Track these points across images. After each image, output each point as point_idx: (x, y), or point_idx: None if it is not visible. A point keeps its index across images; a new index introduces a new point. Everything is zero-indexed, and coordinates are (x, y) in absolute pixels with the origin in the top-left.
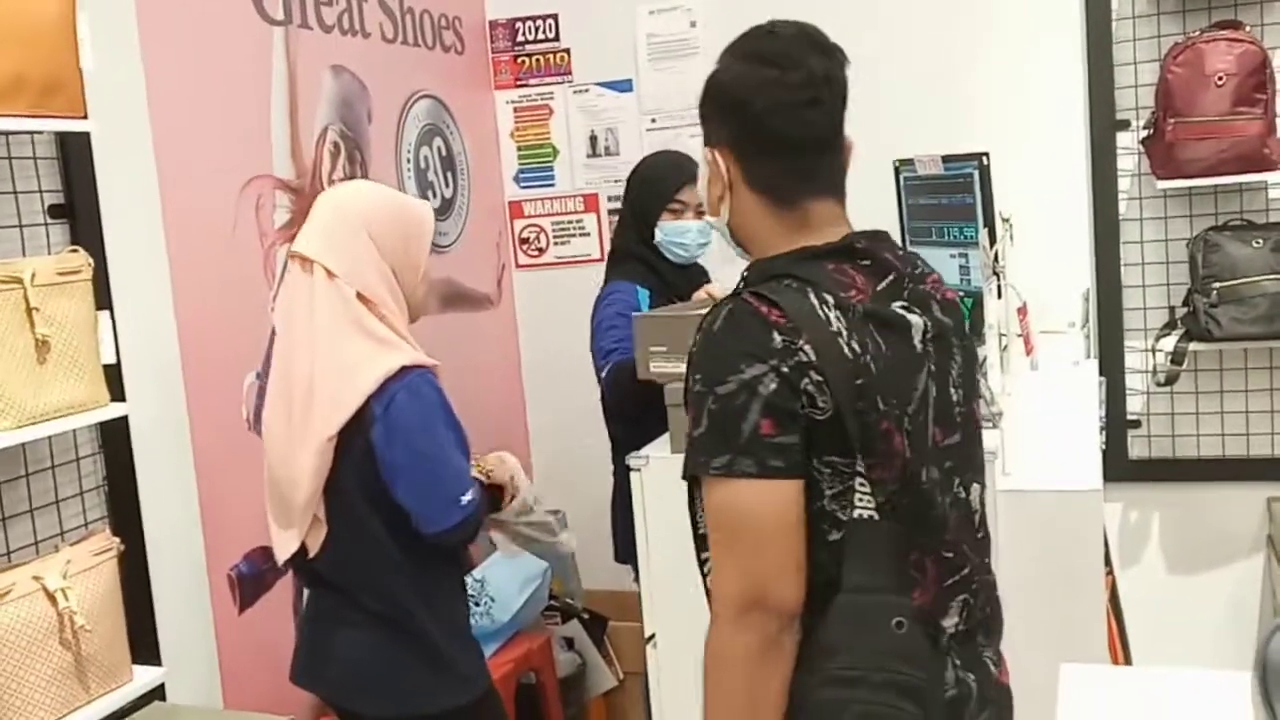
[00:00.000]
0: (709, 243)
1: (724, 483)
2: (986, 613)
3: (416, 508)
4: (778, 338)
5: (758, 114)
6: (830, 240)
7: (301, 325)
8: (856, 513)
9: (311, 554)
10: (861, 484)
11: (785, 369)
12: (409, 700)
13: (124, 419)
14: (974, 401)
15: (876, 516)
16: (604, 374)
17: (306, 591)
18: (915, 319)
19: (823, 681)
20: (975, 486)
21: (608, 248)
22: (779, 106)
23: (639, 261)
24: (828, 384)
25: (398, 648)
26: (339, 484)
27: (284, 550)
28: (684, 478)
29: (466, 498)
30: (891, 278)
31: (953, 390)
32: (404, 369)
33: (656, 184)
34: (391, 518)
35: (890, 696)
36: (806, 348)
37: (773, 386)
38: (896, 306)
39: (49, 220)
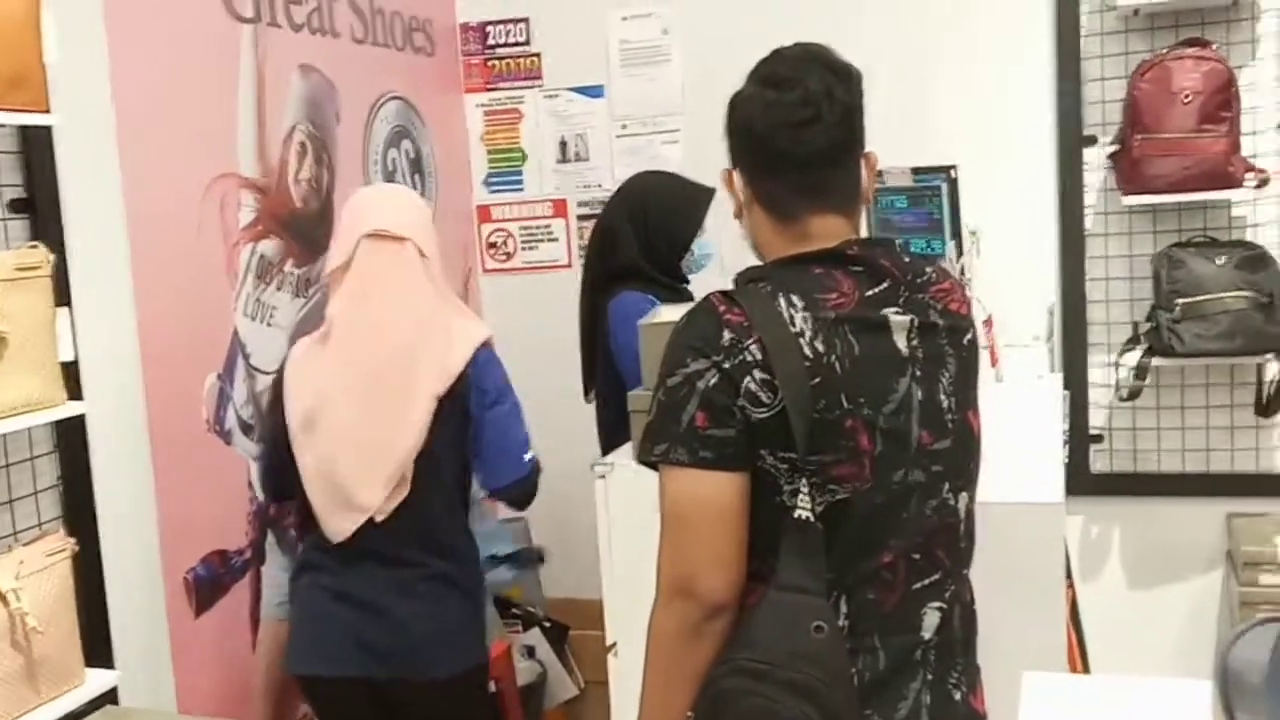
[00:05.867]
0: None
1: (663, 470)
2: (967, 628)
3: (492, 463)
4: (727, 335)
5: (759, 134)
6: (824, 248)
7: (397, 294)
8: (796, 513)
9: (380, 519)
10: (806, 483)
11: (727, 365)
12: (466, 658)
13: (81, 418)
14: (969, 410)
15: (812, 518)
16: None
17: (331, 576)
18: (900, 322)
19: (732, 670)
20: (964, 495)
21: (576, 256)
22: (778, 125)
23: (641, 279)
24: (775, 382)
25: (462, 607)
26: (429, 446)
27: (348, 526)
28: (636, 461)
29: (528, 455)
30: (886, 284)
31: (943, 396)
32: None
33: (691, 209)
34: (464, 479)
35: (789, 695)
36: (753, 347)
37: (712, 381)
38: (886, 311)
39: (9, 215)
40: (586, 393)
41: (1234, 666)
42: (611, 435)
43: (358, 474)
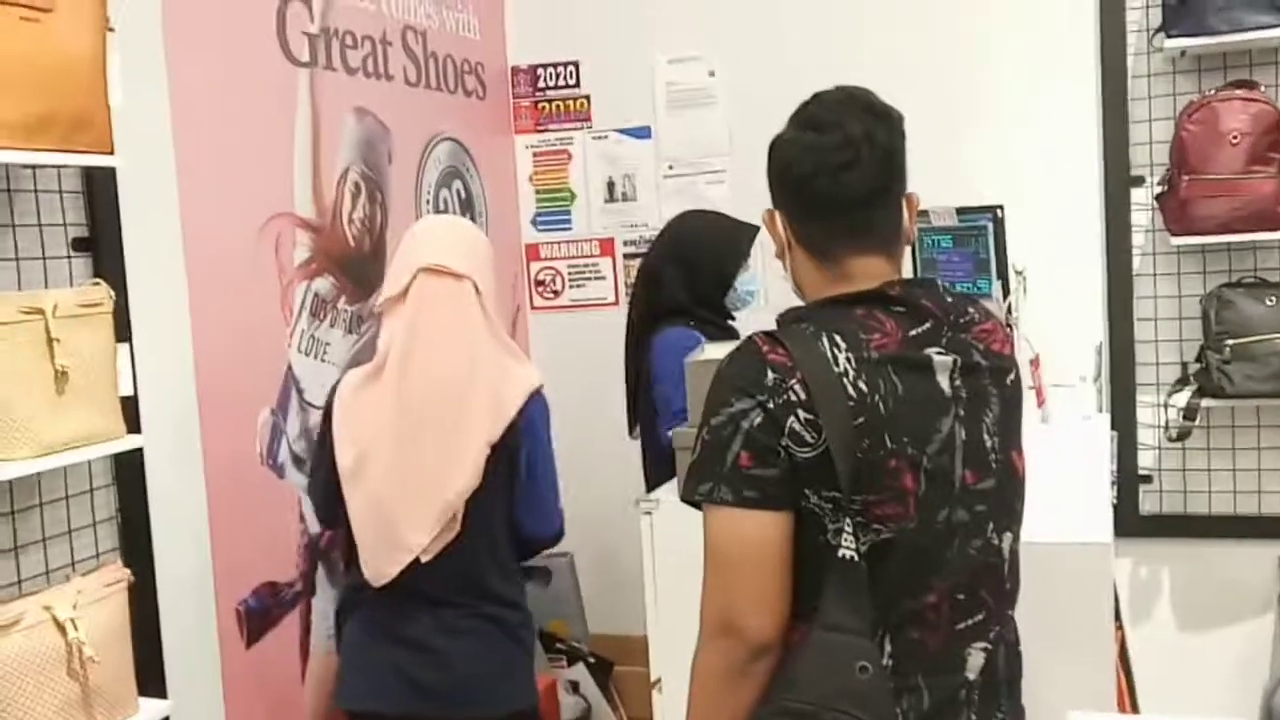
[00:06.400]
0: None
1: (707, 509)
2: (1011, 669)
3: (536, 511)
4: (771, 375)
5: (799, 177)
6: (866, 289)
7: (452, 333)
8: (840, 553)
9: (426, 559)
10: (850, 522)
11: (772, 405)
12: (516, 698)
13: (139, 451)
14: (1013, 450)
15: (856, 558)
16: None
17: (377, 616)
18: (943, 362)
19: (776, 710)
20: (1008, 535)
21: (622, 294)
22: (818, 169)
23: (688, 316)
24: (819, 422)
25: (510, 648)
26: (480, 488)
27: (392, 570)
28: (681, 500)
29: (561, 504)
30: (929, 324)
31: (987, 436)
32: None
33: (732, 246)
34: (509, 522)
35: None
36: (797, 387)
37: (756, 421)
38: (929, 351)
39: (72, 253)
40: (631, 428)
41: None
42: (649, 469)
43: (407, 513)
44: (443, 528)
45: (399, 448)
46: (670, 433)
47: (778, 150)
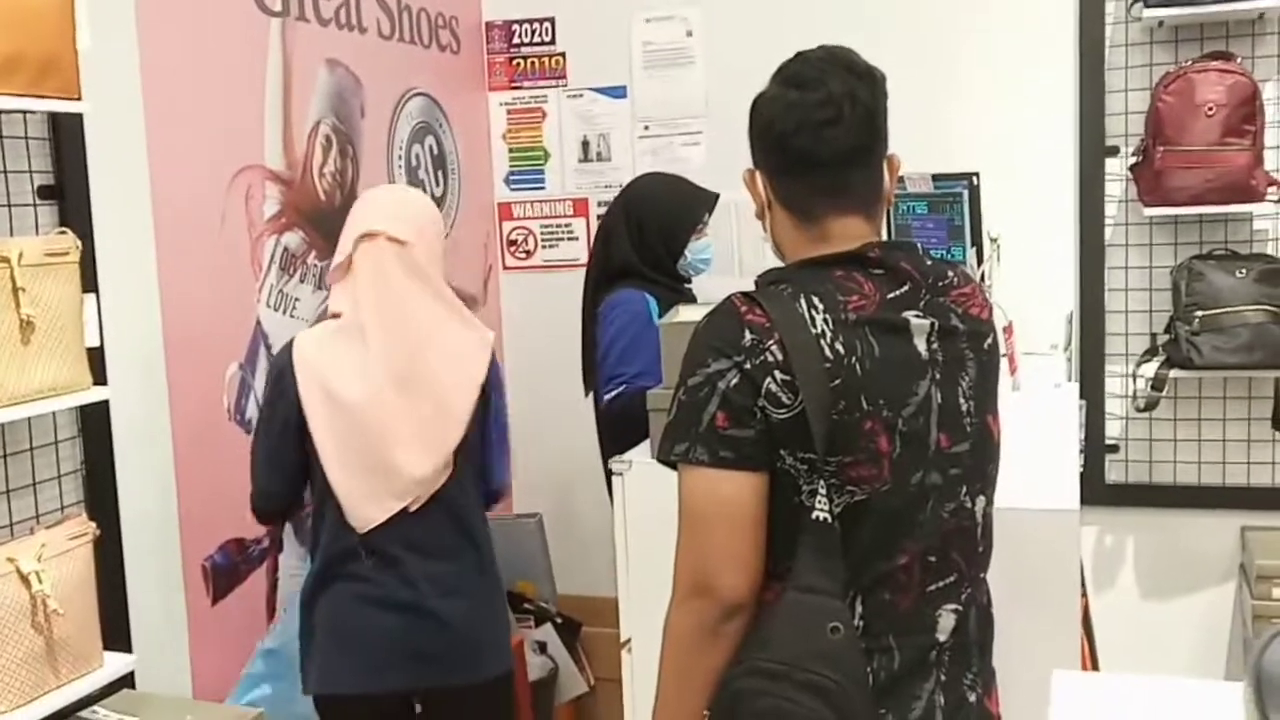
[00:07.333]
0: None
1: (683, 469)
2: (983, 631)
3: (498, 459)
4: (749, 336)
5: (781, 134)
6: (845, 250)
7: (415, 290)
8: (814, 514)
9: (415, 508)
10: (824, 484)
11: (749, 366)
12: (508, 657)
13: (105, 404)
14: (988, 414)
15: (830, 519)
16: (609, 401)
17: (366, 583)
18: (920, 325)
19: (748, 670)
20: (981, 498)
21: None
22: (800, 126)
23: (640, 278)
24: (795, 383)
25: (501, 601)
26: (463, 440)
27: (378, 515)
28: (657, 460)
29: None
30: (907, 287)
31: (963, 400)
32: None
33: (684, 212)
34: (478, 474)
35: (805, 696)
36: (774, 348)
37: (733, 382)
38: (907, 314)
39: (38, 201)
40: (586, 390)
41: (1269, 670)
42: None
43: (407, 460)
44: (440, 471)
45: (394, 402)
46: (612, 394)
47: (760, 107)
